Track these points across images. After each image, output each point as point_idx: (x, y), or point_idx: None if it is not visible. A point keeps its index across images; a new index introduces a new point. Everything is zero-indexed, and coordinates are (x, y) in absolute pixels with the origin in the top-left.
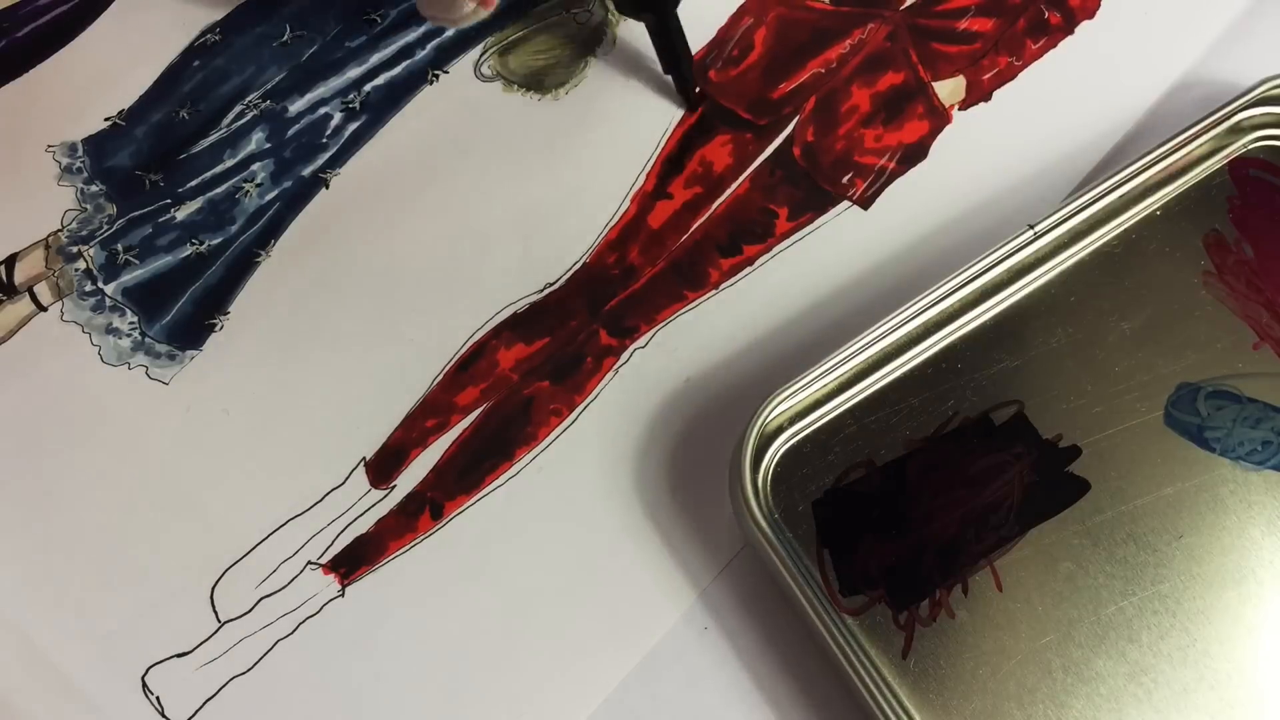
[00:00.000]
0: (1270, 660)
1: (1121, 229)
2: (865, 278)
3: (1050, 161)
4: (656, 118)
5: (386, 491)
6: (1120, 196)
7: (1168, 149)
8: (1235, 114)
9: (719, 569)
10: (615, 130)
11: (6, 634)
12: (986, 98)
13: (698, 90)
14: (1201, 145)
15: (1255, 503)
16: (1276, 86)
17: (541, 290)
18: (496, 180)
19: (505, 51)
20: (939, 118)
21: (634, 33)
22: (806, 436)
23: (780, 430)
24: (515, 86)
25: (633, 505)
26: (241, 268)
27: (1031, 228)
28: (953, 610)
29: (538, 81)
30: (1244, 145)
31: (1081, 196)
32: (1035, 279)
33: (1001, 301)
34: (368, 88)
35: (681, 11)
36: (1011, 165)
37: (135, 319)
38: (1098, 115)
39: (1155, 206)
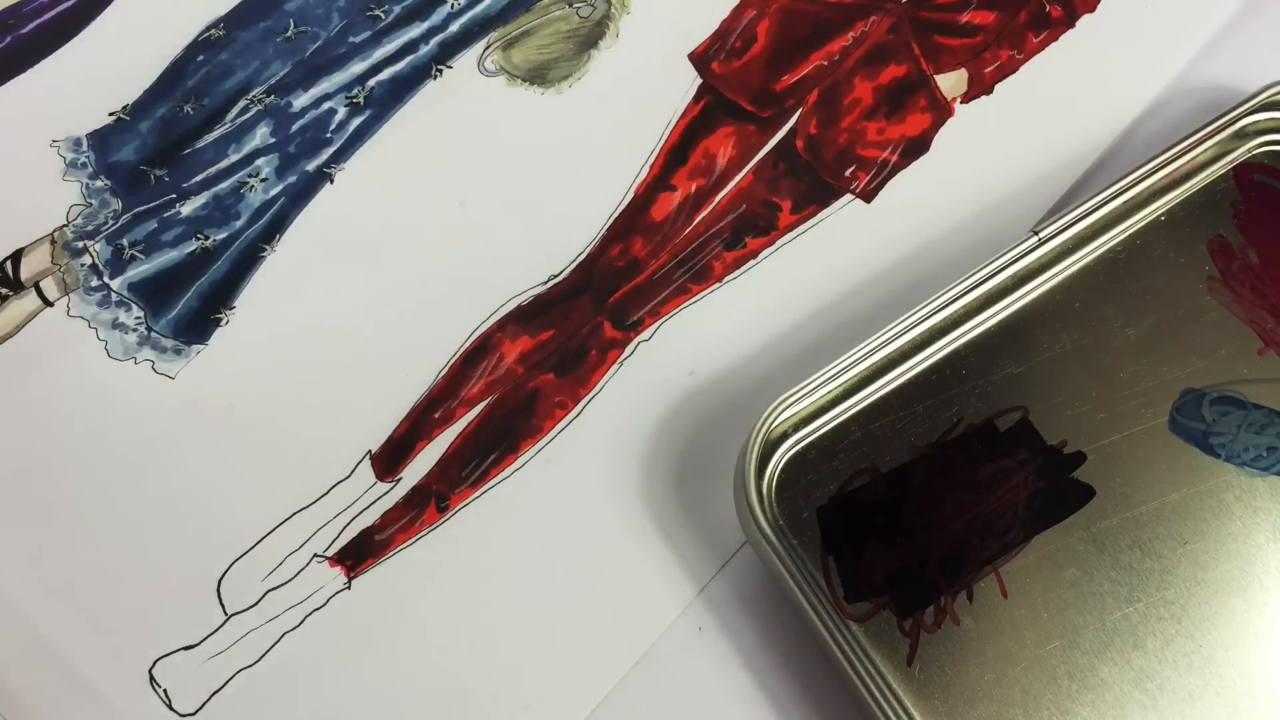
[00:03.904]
0: (1275, 666)
1: (1126, 234)
2: (868, 281)
3: (1051, 155)
4: (659, 110)
5: (392, 484)
6: (1124, 202)
7: (1172, 154)
8: (1239, 119)
9: (719, 566)
10: (618, 123)
11: (15, 627)
12: (988, 91)
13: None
14: (1206, 150)
15: (1260, 509)
16: None
17: (545, 282)
18: (500, 174)
19: (509, 46)
20: (941, 111)
21: (638, 27)
22: (811, 443)
23: (785, 437)
24: (519, 80)
25: (635, 500)
26: (247, 262)
27: (1035, 233)
28: (958, 617)
29: (541, 75)
30: (1248, 150)
31: (1085, 202)
32: (1040, 285)
33: (1006, 307)
34: (371, 83)
35: (682, 3)
36: (1013, 159)
37: (141, 314)
38: (1098, 109)
39: (1160, 212)
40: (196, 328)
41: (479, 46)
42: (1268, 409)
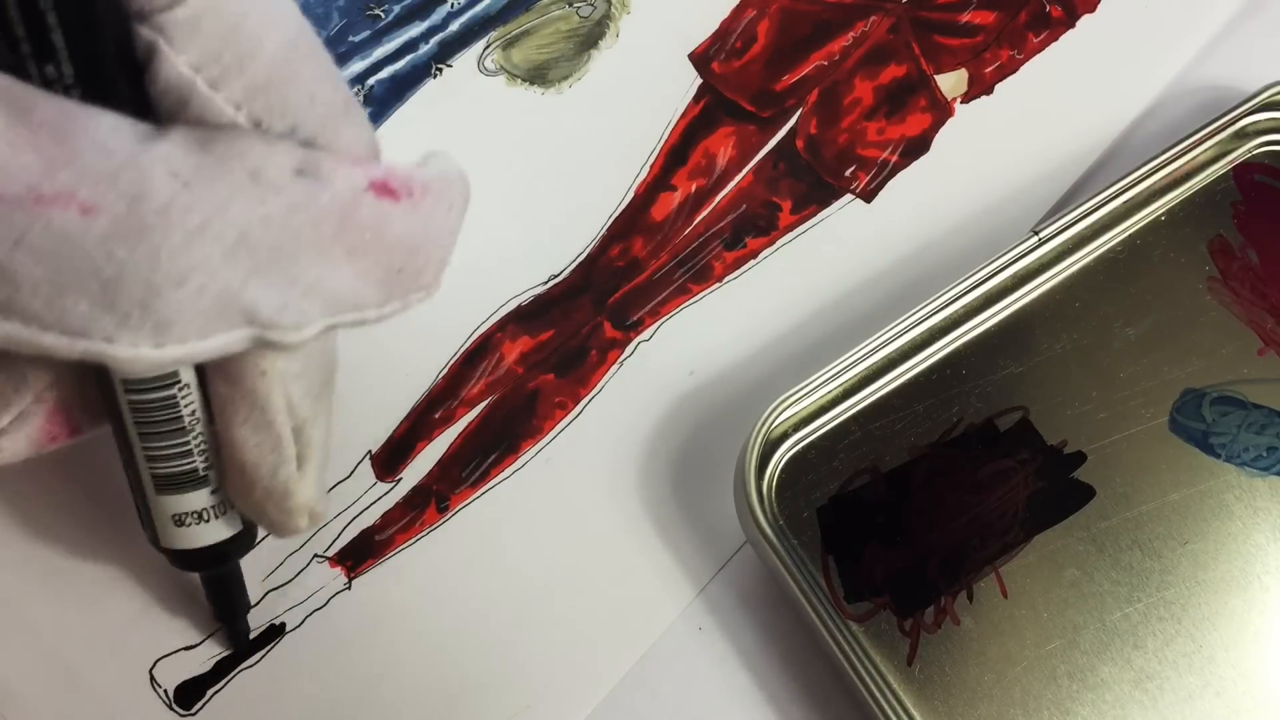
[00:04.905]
0: (1276, 665)
1: (1126, 234)
2: (868, 281)
3: (1051, 155)
4: (659, 110)
5: (392, 484)
6: (1124, 202)
7: (1172, 154)
8: (1240, 119)
9: (719, 566)
10: (618, 123)
11: (15, 628)
12: (988, 91)
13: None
14: (1206, 150)
15: (1260, 509)
16: None
17: (545, 282)
18: (500, 173)
19: (509, 45)
20: (941, 110)
21: (638, 27)
22: (810, 443)
23: (784, 437)
24: (519, 80)
25: (635, 500)
26: None
27: (1036, 233)
28: (958, 617)
29: (541, 75)
30: (1248, 150)
31: (1085, 202)
32: (1039, 285)
33: (1006, 307)
34: (371, 81)
35: (682, 3)
36: (1013, 159)
37: None
38: (1098, 109)
39: (1160, 212)
40: None
41: (479, 46)
42: (1268, 409)
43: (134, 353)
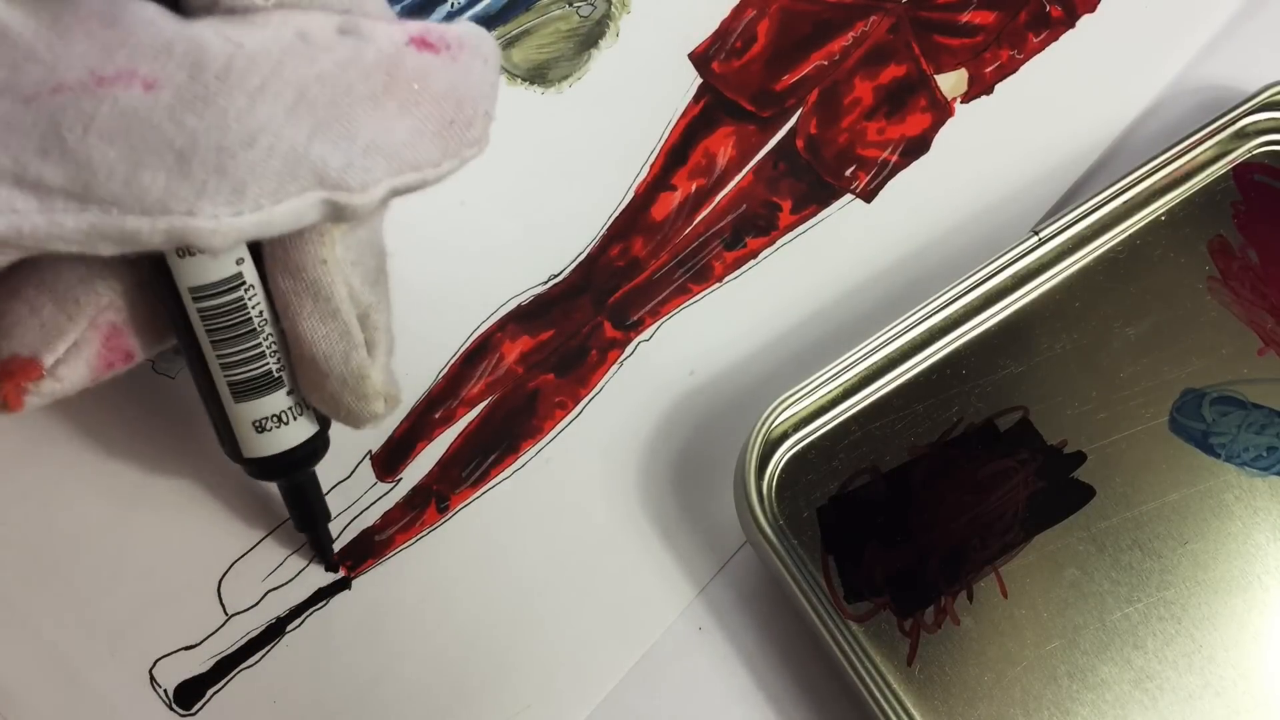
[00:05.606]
0: (1276, 666)
1: (1126, 234)
2: (868, 281)
3: (1051, 155)
4: (659, 110)
5: (392, 484)
6: (1124, 202)
7: (1172, 154)
8: (1240, 119)
9: (719, 566)
10: (618, 122)
11: (14, 628)
12: (988, 91)
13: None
14: (1206, 150)
15: (1260, 509)
16: None
17: (545, 282)
18: (500, 173)
19: (509, 45)
20: (941, 110)
21: (638, 27)
22: (810, 443)
23: (784, 437)
24: (519, 80)
25: (635, 500)
26: None
27: (1036, 233)
28: (958, 617)
29: (541, 75)
30: (1248, 150)
31: (1085, 202)
32: (1039, 284)
33: (1006, 307)
34: None
35: (682, 3)
36: (1013, 159)
37: None
38: (1098, 109)
39: (1160, 212)
40: None
41: None
42: (1268, 409)
43: (215, 223)
